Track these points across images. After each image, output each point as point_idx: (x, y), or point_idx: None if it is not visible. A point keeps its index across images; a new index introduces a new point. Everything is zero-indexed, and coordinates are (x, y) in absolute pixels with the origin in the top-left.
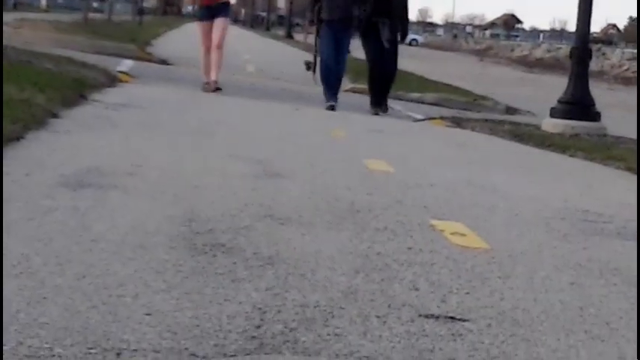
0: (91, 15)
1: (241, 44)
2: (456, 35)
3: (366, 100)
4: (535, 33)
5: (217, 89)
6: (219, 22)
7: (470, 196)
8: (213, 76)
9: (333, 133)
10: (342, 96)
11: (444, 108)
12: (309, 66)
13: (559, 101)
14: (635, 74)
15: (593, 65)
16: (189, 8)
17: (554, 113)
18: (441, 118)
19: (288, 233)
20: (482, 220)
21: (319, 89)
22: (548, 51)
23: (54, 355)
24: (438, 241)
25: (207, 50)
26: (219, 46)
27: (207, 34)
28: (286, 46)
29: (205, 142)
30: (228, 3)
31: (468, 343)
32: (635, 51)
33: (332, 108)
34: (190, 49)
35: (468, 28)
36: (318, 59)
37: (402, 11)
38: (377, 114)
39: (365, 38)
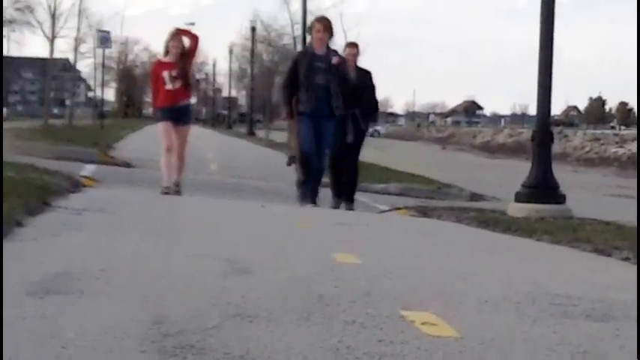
0: (52, 121)
1: (204, 143)
2: (419, 124)
3: (328, 192)
4: (496, 118)
5: (177, 192)
6: (182, 131)
7: (439, 284)
8: (174, 177)
9: (299, 227)
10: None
11: (409, 197)
12: (292, 161)
13: (523, 185)
14: (598, 155)
15: (556, 148)
16: (150, 110)
17: (519, 197)
18: (407, 207)
19: (258, 330)
20: (452, 307)
21: (283, 185)
22: (510, 135)
23: None
24: (409, 331)
25: (169, 149)
26: (181, 156)
27: (169, 133)
28: (249, 143)
29: (171, 242)
30: (189, 105)
31: None
32: (596, 132)
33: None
34: (152, 150)
35: (431, 117)
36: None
37: (373, 102)
38: (337, 207)
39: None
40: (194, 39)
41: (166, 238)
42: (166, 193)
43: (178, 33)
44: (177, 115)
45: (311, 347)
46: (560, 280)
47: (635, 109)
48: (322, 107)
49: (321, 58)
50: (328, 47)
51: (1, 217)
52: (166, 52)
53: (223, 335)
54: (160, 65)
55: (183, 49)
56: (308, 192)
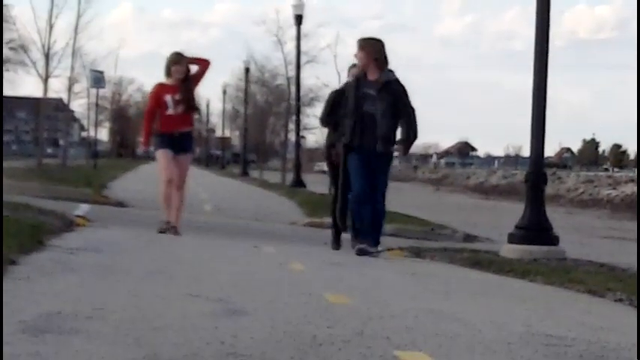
0: (46, 160)
1: (197, 183)
2: (416, 166)
3: (322, 233)
4: (490, 159)
5: (175, 231)
6: (183, 160)
7: (431, 325)
8: (172, 220)
9: (291, 268)
10: (299, 230)
11: (403, 238)
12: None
13: (517, 227)
14: (591, 197)
15: (549, 189)
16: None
17: (512, 239)
18: (400, 248)
19: None
20: (445, 348)
21: (277, 226)
22: (504, 177)
23: None
24: None
25: (169, 182)
26: (180, 188)
27: (169, 163)
28: (242, 183)
29: (164, 283)
30: (192, 135)
31: None
32: (590, 174)
33: (362, 252)
34: (146, 190)
35: (434, 158)
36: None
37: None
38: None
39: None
40: (204, 64)
41: (160, 278)
42: (163, 231)
43: (182, 57)
44: (179, 142)
45: None
46: (553, 322)
47: (629, 152)
48: (373, 140)
49: (371, 84)
50: (381, 71)
51: (1, 249)
52: (168, 74)
53: None
54: (162, 88)
55: (187, 73)
56: (357, 235)
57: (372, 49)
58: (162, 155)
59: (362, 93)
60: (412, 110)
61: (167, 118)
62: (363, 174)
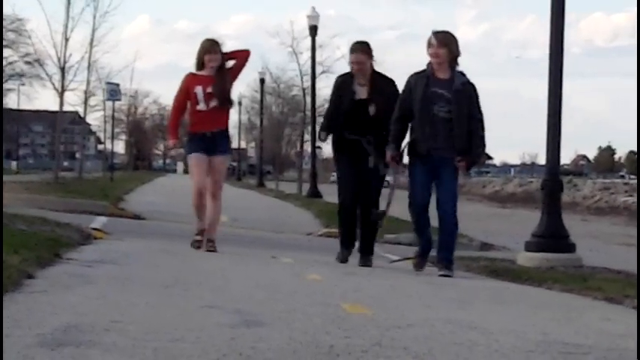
0: (62, 173)
1: None
2: None
3: (339, 243)
4: (506, 168)
5: (212, 249)
6: (218, 162)
7: (449, 334)
8: (211, 230)
9: (309, 278)
10: (316, 240)
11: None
12: (380, 217)
13: (533, 235)
14: (607, 204)
15: (566, 197)
16: (160, 162)
17: (529, 247)
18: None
19: None
20: (463, 357)
21: (293, 236)
22: (520, 185)
23: None
24: None
25: (202, 192)
26: (216, 196)
27: (202, 171)
28: (259, 194)
29: (182, 294)
30: (227, 131)
31: None
32: (606, 181)
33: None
34: (162, 202)
35: None
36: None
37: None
38: (345, 261)
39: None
40: (243, 54)
41: (177, 290)
42: (198, 247)
43: (216, 43)
44: (211, 142)
45: None
46: (570, 329)
47: None
48: (443, 148)
49: (442, 83)
50: (453, 69)
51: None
52: (200, 66)
53: None
54: (193, 78)
55: (222, 63)
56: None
57: (455, 46)
58: (193, 162)
59: (431, 92)
60: (482, 120)
61: (197, 115)
62: (428, 187)
